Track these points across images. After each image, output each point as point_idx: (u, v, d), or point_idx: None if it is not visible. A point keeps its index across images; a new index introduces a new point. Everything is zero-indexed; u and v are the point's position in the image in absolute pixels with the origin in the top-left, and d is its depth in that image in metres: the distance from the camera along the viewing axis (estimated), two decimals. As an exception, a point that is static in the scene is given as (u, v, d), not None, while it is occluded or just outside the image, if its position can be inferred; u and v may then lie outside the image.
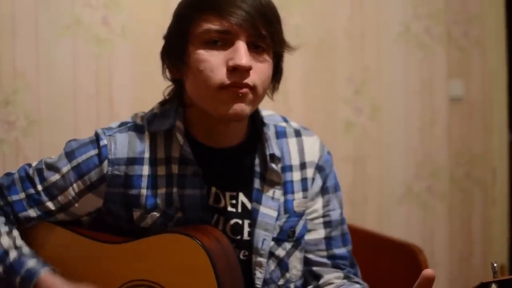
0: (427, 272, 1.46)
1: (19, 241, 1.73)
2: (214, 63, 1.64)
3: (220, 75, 1.63)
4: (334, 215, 1.86)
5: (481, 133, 3.85)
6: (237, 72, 1.63)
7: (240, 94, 1.63)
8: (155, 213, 1.73)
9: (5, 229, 1.72)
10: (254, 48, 1.67)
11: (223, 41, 1.65)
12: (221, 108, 1.64)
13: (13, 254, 1.69)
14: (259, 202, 1.77)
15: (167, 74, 1.78)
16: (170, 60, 1.73)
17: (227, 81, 1.63)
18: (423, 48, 3.62)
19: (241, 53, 1.62)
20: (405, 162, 3.62)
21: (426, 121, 3.65)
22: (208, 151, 1.77)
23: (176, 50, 1.71)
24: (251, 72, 1.64)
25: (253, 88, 1.65)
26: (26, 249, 1.72)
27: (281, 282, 1.80)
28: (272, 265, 1.78)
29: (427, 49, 3.62)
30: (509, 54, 3.93)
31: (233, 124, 1.74)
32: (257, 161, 1.78)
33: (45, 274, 1.66)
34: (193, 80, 1.67)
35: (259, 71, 1.66)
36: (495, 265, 1.47)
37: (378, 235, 3.11)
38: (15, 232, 1.74)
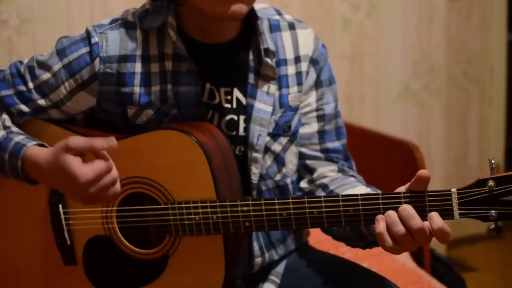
0: (423, 172, 1.47)
1: (9, 123, 1.70)
2: None
3: None
4: (328, 109, 1.84)
5: (479, 32, 3.83)
6: None
7: None
8: (149, 110, 1.72)
9: None
10: None
11: None
12: (219, 8, 1.61)
13: (1, 133, 1.67)
14: (253, 97, 1.76)
15: None
16: None
17: None
18: None
19: None
20: (402, 60, 3.60)
21: (424, 18, 3.62)
22: (202, 47, 1.74)
23: None
24: None
25: None
26: (15, 129, 1.69)
27: (277, 177, 1.80)
28: (269, 161, 1.78)
29: None
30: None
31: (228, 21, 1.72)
32: (251, 56, 1.76)
33: (32, 145, 1.61)
34: None
35: None
36: (493, 161, 1.46)
37: (374, 133, 3.13)
38: (5, 116, 1.72)
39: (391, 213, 1.48)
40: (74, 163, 1.46)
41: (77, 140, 1.46)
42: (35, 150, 1.59)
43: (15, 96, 1.72)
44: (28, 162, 1.59)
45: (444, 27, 3.68)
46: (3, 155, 1.63)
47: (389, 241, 1.47)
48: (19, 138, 1.64)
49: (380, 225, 1.48)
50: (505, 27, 3.91)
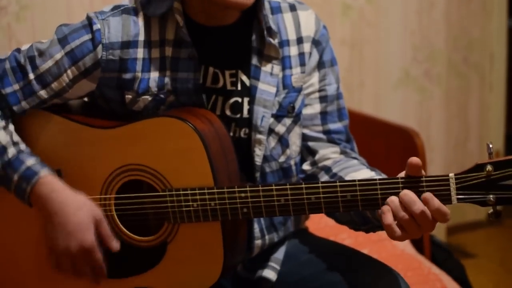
0: (413, 160, 1.47)
1: (16, 137, 1.71)
2: None
3: None
4: (330, 90, 1.85)
5: (480, 17, 3.81)
6: None
7: None
8: (146, 96, 1.72)
9: (1, 123, 1.70)
10: None
11: None
12: None
13: (11, 151, 1.67)
14: (257, 78, 1.75)
15: None
16: None
17: None
18: None
19: None
20: (402, 46, 3.59)
21: (424, 4, 3.60)
22: (205, 30, 1.74)
23: None
24: None
25: None
26: (23, 146, 1.70)
27: (281, 159, 1.80)
28: (273, 142, 1.78)
29: None
30: None
31: None
32: (254, 37, 1.76)
33: (45, 174, 1.65)
34: None
35: None
36: (490, 146, 1.47)
37: (374, 119, 3.12)
38: (11, 127, 1.72)
39: (394, 199, 1.48)
40: (92, 230, 1.62)
41: (106, 227, 1.65)
42: (51, 182, 1.65)
43: (18, 92, 1.71)
44: (38, 191, 1.64)
45: (444, 13, 3.67)
46: (12, 176, 1.65)
47: (398, 231, 1.48)
48: (30, 162, 1.66)
49: (388, 217, 1.48)
50: (506, 13, 3.90)
